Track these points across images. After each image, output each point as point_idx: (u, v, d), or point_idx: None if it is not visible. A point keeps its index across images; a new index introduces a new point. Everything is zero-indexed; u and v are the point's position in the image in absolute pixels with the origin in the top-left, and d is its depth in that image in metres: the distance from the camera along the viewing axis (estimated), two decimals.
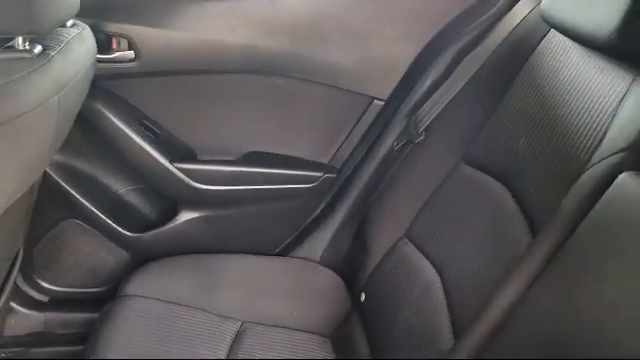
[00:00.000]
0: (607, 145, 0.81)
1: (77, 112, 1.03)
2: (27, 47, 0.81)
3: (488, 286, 0.89)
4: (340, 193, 1.50)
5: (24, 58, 0.80)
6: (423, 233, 1.21)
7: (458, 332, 0.94)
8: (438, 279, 1.09)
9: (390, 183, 1.37)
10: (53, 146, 0.90)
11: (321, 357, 1.26)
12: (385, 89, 1.37)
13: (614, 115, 0.84)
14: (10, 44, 0.82)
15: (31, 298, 1.50)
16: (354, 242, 1.45)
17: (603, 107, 0.87)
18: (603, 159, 0.80)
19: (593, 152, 0.83)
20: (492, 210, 1.01)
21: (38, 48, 0.82)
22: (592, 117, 0.88)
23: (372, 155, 1.44)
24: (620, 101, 0.85)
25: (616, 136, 0.81)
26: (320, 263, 1.52)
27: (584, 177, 0.81)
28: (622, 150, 0.78)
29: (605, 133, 0.83)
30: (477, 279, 0.95)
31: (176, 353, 1.17)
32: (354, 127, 1.42)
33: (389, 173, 1.39)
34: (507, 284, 0.84)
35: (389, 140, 1.41)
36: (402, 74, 1.35)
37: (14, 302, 1.46)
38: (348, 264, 1.45)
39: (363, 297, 1.32)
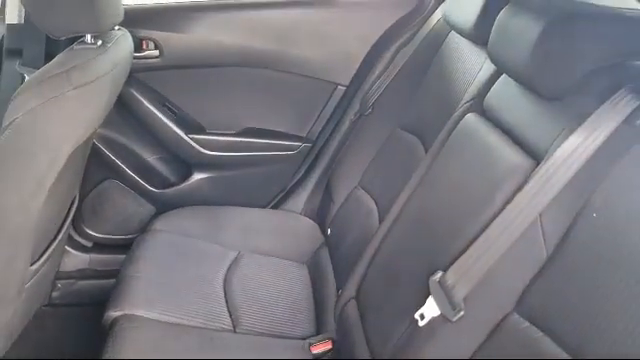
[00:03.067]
0: (465, 98, 1.25)
1: (121, 87, 1.48)
2: (93, 41, 1.27)
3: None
4: (315, 159, 1.94)
5: (91, 48, 1.25)
6: (369, 180, 1.64)
7: None
8: (375, 206, 1.52)
9: (349, 147, 1.81)
10: (106, 107, 1.35)
11: (298, 275, 1.67)
12: (346, 77, 1.83)
13: (473, 82, 1.28)
14: (82, 39, 1.27)
15: (79, 242, 1.93)
16: (324, 194, 1.88)
17: (469, 77, 1.31)
18: (461, 107, 1.24)
19: (459, 104, 1.27)
20: (407, 154, 1.45)
21: (99, 42, 1.28)
22: (463, 84, 1.32)
23: (338, 128, 1.88)
24: (477, 73, 1.28)
25: (470, 93, 1.25)
26: (301, 213, 1.96)
27: (451, 119, 1.25)
28: (470, 100, 1.22)
29: (468, 90, 1.27)
30: (395, 196, 1.37)
31: (191, 268, 1.58)
32: (324, 107, 1.87)
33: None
34: (405, 190, 1.28)
35: (351, 116, 1.85)
36: (358, 66, 1.80)
37: (67, 245, 1.90)
38: (320, 211, 1.89)
39: (329, 232, 1.75)
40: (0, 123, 1.16)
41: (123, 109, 1.78)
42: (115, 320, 1.36)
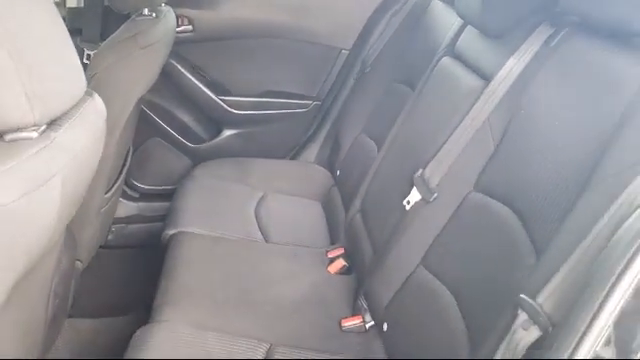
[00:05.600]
0: (441, 47, 1.60)
1: (169, 52, 1.82)
2: (149, 14, 1.63)
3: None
4: (325, 114, 2.30)
5: (149, 19, 1.61)
6: (371, 126, 1.99)
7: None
8: (375, 146, 1.86)
9: (353, 102, 2.16)
10: (160, 67, 1.70)
11: (314, 208, 2.03)
12: (349, 43, 2.17)
13: (447, 34, 1.62)
14: (140, 13, 1.63)
15: (128, 194, 2.29)
16: (333, 143, 2.23)
17: (445, 32, 1.65)
18: (438, 54, 1.58)
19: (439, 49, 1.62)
20: (400, 101, 1.78)
21: (154, 14, 1.64)
22: (441, 38, 1.66)
23: (344, 86, 2.23)
24: (451, 27, 1.63)
25: (445, 42, 1.60)
26: (314, 162, 2.31)
27: (431, 64, 1.60)
28: (445, 48, 1.57)
29: (443, 41, 1.62)
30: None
31: (226, 201, 1.94)
32: (331, 69, 2.21)
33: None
34: (396, 123, 1.63)
35: (354, 75, 2.20)
36: (358, 32, 2.15)
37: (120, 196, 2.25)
38: (330, 159, 2.23)
39: (338, 173, 2.10)
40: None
41: (164, 77, 2.11)
42: (172, 236, 1.72)
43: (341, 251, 1.72)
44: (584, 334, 0.68)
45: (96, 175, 1.56)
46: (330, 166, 2.23)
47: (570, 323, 0.71)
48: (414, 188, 1.34)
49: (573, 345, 0.69)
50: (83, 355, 1.76)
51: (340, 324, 1.43)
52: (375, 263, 1.43)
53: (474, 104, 1.28)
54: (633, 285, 0.67)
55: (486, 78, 1.31)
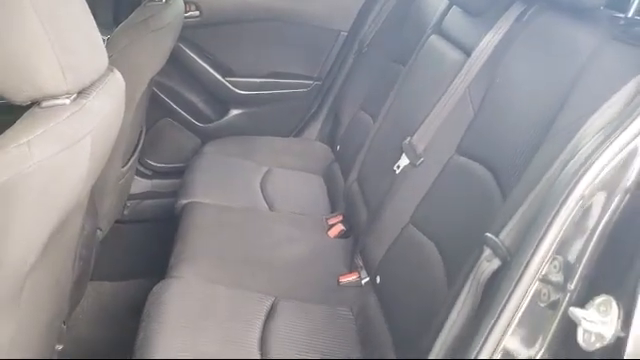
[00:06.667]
0: (431, 24, 1.72)
1: (178, 36, 1.95)
2: (158, 0, 1.76)
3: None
4: (325, 94, 2.43)
5: (159, 4, 1.74)
6: (368, 103, 2.11)
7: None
8: (372, 121, 1.99)
9: (351, 81, 2.29)
10: (170, 49, 1.84)
11: (315, 181, 2.16)
12: (347, 25, 2.30)
13: (435, 14, 1.75)
14: None
15: (142, 172, 2.42)
16: (333, 120, 2.37)
17: (434, 12, 1.77)
18: (429, 30, 1.71)
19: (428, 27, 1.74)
20: (395, 78, 1.90)
21: (163, 0, 1.77)
22: (430, 18, 1.78)
23: (342, 67, 2.36)
24: (438, 8, 1.75)
25: (433, 22, 1.72)
26: (315, 139, 2.45)
27: (420, 41, 1.72)
28: (433, 26, 1.69)
29: (433, 18, 1.74)
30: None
31: (234, 175, 2.08)
32: (330, 50, 2.34)
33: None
34: (389, 97, 1.76)
35: (351, 56, 2.32)
36: (355, 15, 2.27)
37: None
38: (330, 136, 2.37)
39: (338, 148, 2.23)
40: None
41: (174, 61, 2.23)
42: (185, 205, 1.87)
43: (340, 218, 1.85)
44: (529, 260, 0.82)
45: (114, 147, 1.72)
46: (331, 142, 2.36)
47: (520, 253, 0.84)
48: (403, 154, 1.47)
49: (521, 270, 0.82)
50: (105, 313, 1.92)
51: (338, 280, 1.57)
52: (369, 224, 1.57)
53: (456, 76, 1.41)
54: (569, 220, 0.80)
55: (467, 52, 1.44)
